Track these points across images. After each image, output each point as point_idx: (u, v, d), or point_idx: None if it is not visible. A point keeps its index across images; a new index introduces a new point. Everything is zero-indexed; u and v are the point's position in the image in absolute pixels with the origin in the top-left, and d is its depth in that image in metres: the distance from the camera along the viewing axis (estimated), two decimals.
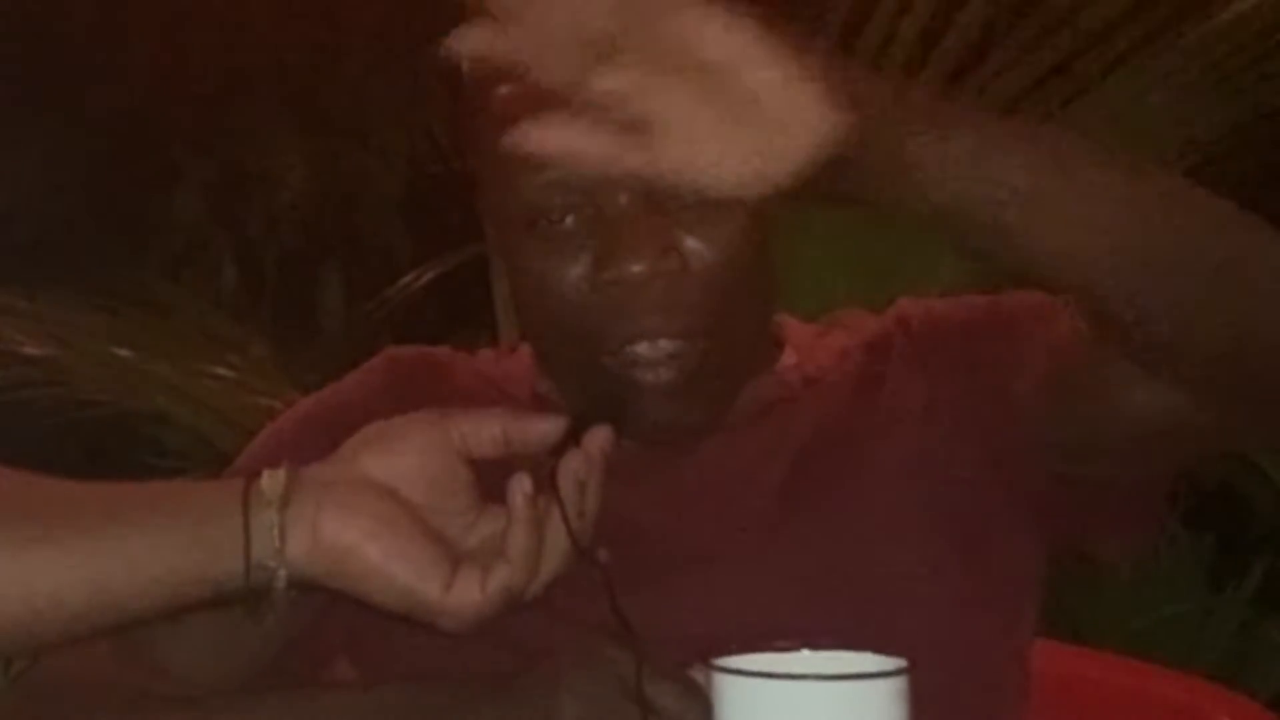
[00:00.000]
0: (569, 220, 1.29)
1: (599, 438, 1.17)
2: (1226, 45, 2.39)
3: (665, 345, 1.29)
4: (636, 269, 1.27)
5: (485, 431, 1.17)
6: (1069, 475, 1.33)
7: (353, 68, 3.57)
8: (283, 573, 1.12)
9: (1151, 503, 1.38)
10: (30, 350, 2.54)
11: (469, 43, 1.00)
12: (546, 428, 1.18)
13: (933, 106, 1.07)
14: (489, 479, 1.17)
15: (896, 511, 1.34)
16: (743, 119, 0.98)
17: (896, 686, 0.99)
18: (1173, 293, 1.12)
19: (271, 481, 1.13)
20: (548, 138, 1.00)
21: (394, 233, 3.56)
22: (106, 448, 2.58)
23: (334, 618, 1.30)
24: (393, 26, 3.42)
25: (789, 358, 1.41)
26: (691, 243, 1.29)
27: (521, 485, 1.13)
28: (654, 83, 0.98)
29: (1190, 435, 1.27)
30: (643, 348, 1.29)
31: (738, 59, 0.98)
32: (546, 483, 1.15)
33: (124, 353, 2.61)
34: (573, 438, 1.17)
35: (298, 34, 3.50)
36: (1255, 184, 2.46)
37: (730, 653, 1.02)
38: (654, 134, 0.98)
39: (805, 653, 1.03)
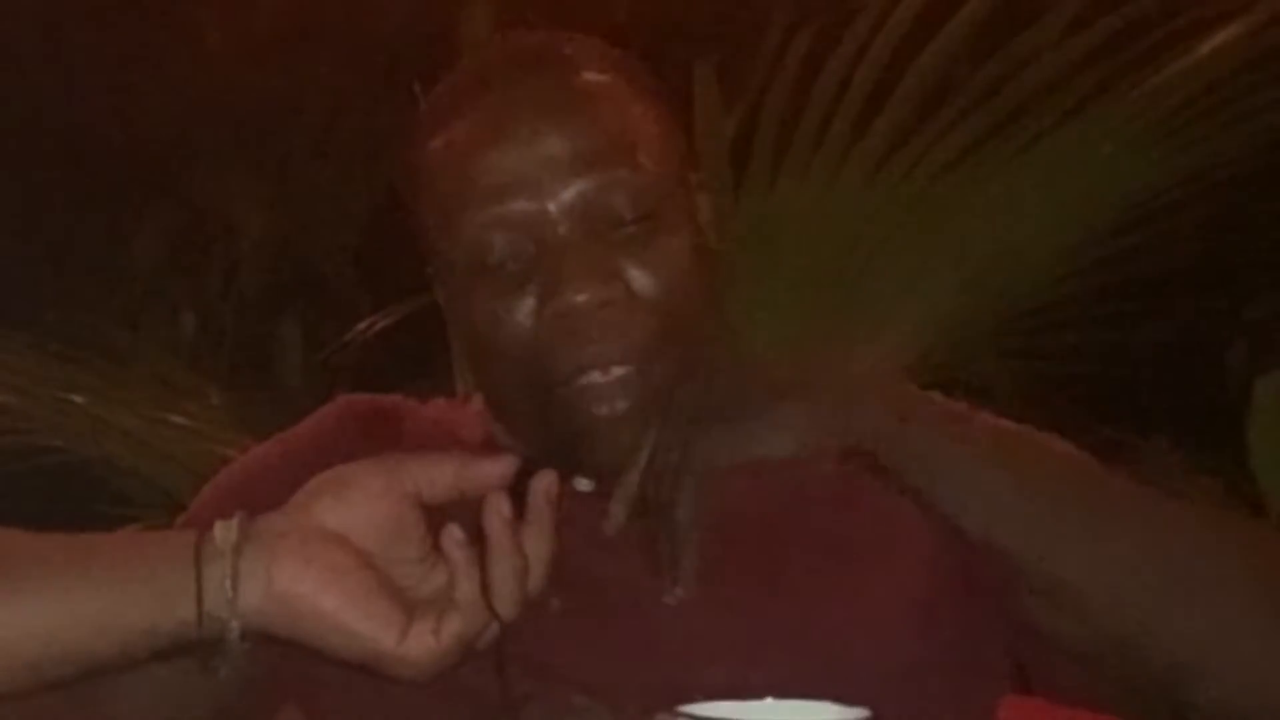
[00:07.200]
0: (510, 264, 1.30)
1: (545, 482, 1.17)
2: (1178, 96, 2.40)
3: (616, 372, 1.29)
4: (581, 298, 1.27)
5: (438, 475, 1.17)
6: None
7: (312, 117, 3.57)
8: (235, 624, 1.12)
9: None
10: None
11: None
12: (498, 469, 1.18)
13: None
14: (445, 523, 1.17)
15: (868, 583, 1.33)
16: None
17: None
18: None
19: (224, 532, 1.13)
20: None
21: (352, 281, 3.56)
22: (62, 496, 2.56)
23: (286, 667, 1.30)
24: (351, 76, 3.43)
25: None
26: (634, 270, 1.29)
27: (452, 534, 1.13)
28: None
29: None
30: (594, 376, 1.28)
31: None
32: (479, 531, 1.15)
33: (80, 400, 2.59)
34: (523, 482, 1.17)
35: (257, 83, 3.50)
36: (1208, 234, 2.48)
37: (692, 701, 1.02)
38: None
39: (770, 701, 1.03)
